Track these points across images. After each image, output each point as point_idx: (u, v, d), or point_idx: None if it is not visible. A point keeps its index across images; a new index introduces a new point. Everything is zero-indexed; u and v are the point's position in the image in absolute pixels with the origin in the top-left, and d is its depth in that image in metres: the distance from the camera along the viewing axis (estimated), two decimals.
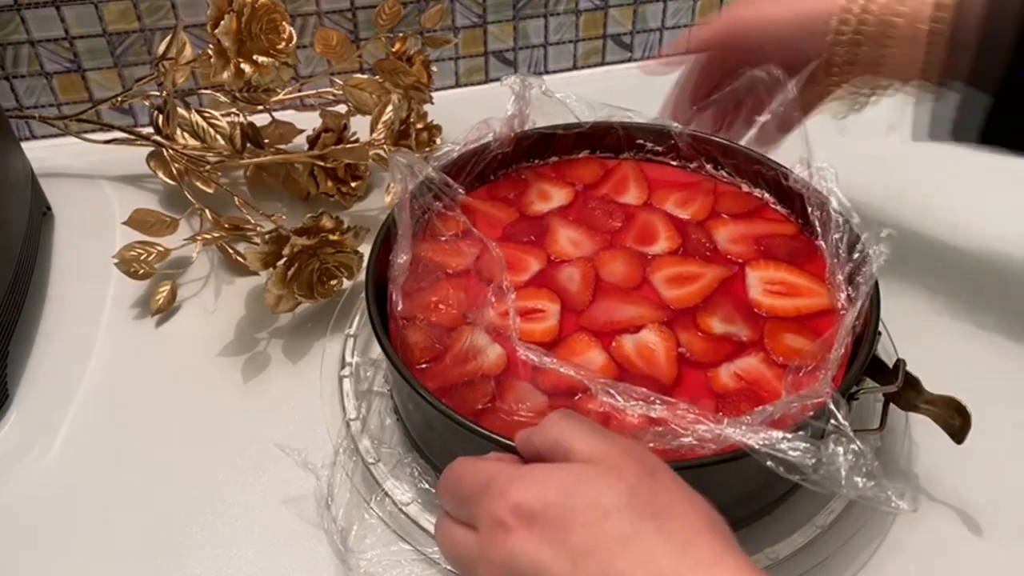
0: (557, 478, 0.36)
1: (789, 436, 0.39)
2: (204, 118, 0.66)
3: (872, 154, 0.66)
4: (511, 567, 0.34)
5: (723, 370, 0.49)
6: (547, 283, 0.54)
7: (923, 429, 0.54)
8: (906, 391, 0.48)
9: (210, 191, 0.66)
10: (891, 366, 0.49)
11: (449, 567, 0.46)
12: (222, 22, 0.60)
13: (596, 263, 0.56)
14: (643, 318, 0.52)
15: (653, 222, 0.59)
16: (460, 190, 0.56)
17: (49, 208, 0.71)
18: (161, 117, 0.67)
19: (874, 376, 0.49)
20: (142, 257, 0.62)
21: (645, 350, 0.50)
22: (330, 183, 0.70)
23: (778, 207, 0.59)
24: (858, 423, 0.53)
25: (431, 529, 0.48)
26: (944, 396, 0.48)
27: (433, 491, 0.50)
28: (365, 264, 0.54)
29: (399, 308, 0.51)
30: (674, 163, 0.63)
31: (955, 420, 0.48)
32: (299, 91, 0.74)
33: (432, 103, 0.72)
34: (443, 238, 0.55)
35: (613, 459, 0.36)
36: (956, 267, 0.65)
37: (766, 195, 0.60)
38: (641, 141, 0.63)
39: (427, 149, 0.72)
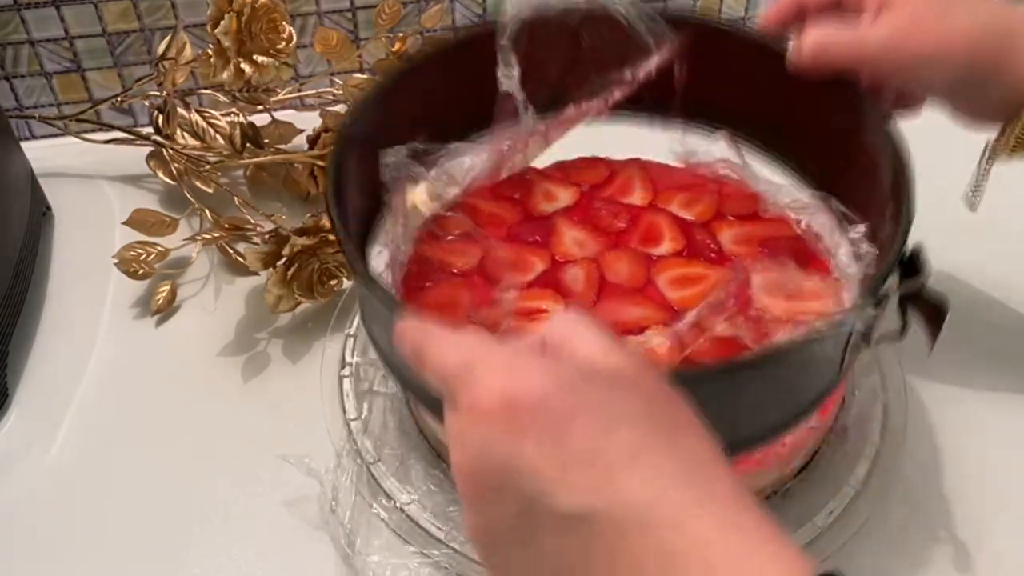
0: (561, 372, 0.30)
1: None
2: (204, 118, 0.66)
3: None
4: (486, 456, 0.29)
5: None
6: (552, 283, 0.54)
7: (923, 427, 0.54)
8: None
9: (210, 191, 0.66)
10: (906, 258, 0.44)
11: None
12: (222, 22, 0.60)
13: (601, 264, 0.56)
14: (648, 319, 0.52)
15: (658, 223, 0.59)
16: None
17: (49, 208, 0.71)
18: (161, 117, 0.67)
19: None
20: (142, 257, 0.62)
21: (649, 352, 0.50)
22: None
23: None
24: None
25: (436, 532, 0.48)
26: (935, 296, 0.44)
27: (438, 491, 0.50)
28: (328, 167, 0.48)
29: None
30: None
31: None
32: (299, 91, 0.74)
33: None
34: (449, 238, 0.55)
35: (629, 369, 0.31)
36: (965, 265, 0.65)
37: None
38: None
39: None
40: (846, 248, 0.52)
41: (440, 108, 0.55)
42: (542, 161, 0.62)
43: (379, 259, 0.62)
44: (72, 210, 0.71)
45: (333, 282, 0.60)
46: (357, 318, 0.60)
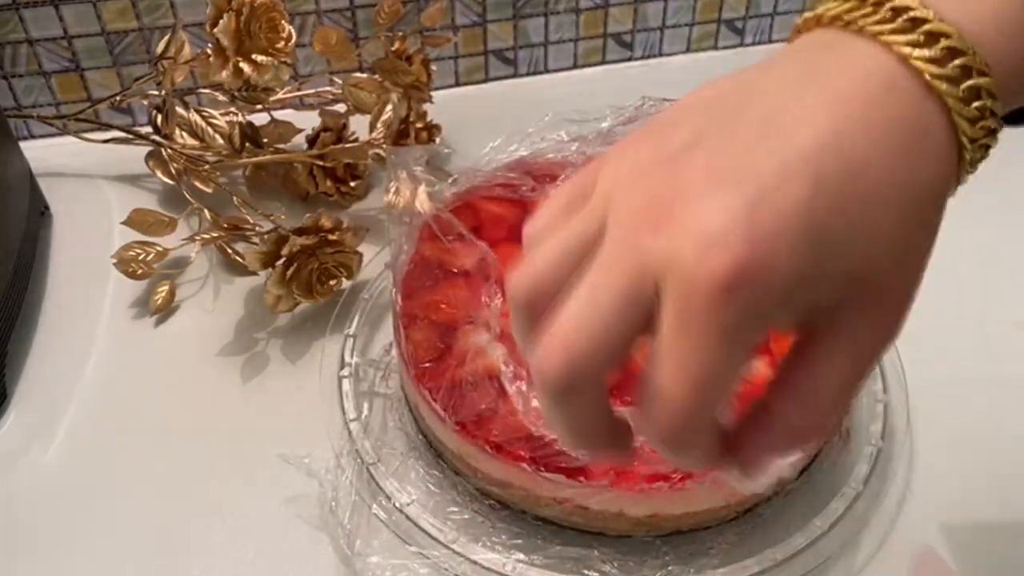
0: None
1: None
2: (203, 117, 0.66)
3: None
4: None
5: None
6: None
7: (924, 429, 0.54)
8: None
9: (209, 191, 0.66)
10: None
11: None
12: (221, 21, 0.60)
13: None
14: None
15: None
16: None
17: (47, 208, 0.71)
18: (160, 116, 0.67)
19: None
20: (141, 257, 0.62)
21: (649, 352, 0.50)
22: (329, 183, 0.69)
23: None
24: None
25: (434, 532, 0.48)
26: None
27: (438, 492, 0.50)
28: None
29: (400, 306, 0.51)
30: None
31: None
32: (298, 90, 0.74)
33: (432, 102, 0.72)
34: (449, 238, 0.55)
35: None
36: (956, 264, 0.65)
37: None
38: None
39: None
40: None
41: None
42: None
43: (380, 258, 0.63)
44: (71, 210, 0.71)
45: (332, 282, 0.60)
46: (356, 318, 0.60)
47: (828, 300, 0.26)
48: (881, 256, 0.26)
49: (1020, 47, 0.27)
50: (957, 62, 0.26)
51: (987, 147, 0.27)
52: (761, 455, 0.28)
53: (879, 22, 0.27)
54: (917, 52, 0.26)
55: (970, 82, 0.26)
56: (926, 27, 0.26)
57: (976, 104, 0.26)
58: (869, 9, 0.27)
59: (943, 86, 0.26)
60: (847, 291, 0.26)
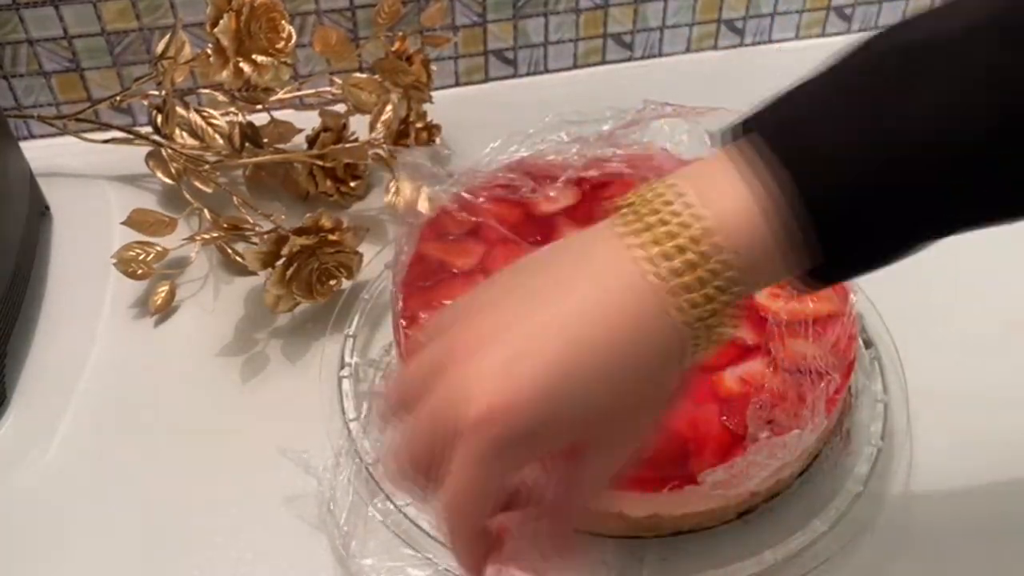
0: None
1: None
2: (203, 117, 0.66)
3: None
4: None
5: (728, 374, 0.49)
6: None
7: (925, 433, 0.54)
8: None
9: (209, 191, 0.66)
10: None
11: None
12: (221, 21, 0.60)
13: None
14: None
15: None
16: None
17: (47, 208, 0.71)
18: (160, 116, 0.67)
19: None
20: (141, 257, 0.62)
21: None
22: (329, 183, 0.69)
23: None
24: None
25: (432, 531, 0.48)
26: None
27: None
28: None
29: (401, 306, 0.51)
30: None
31: None
32: (298, 90, 0.74)
33: (432, 102, 0.72)
34: (450, 237, 0.55)
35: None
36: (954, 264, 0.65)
37: None
38: None
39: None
40: None
41: None
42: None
43: (380, 258, 0.63)
44: (71, 210, 0.71)
45: (332, 282, 0.60)
46: (356, 318, 0.60)
47: (576, 438, 0.34)
48: (605, 412, 0.33)
49: (769, 252, 0.32)
50: (696, 274, 0.31)
51: (723, 333, 0.33)
52: (527, 558, 0.36)
53: (641, 227, 0.32)
54: (662, 265, 0.32)
55: (704, 291, 0.31)
56: (675, 241, 0.32)
57: (707, 306, 0.32)
58: (642, 210, 0.33)
59: (670, 295, 0.31)
60: (586, 434, 0.34)
